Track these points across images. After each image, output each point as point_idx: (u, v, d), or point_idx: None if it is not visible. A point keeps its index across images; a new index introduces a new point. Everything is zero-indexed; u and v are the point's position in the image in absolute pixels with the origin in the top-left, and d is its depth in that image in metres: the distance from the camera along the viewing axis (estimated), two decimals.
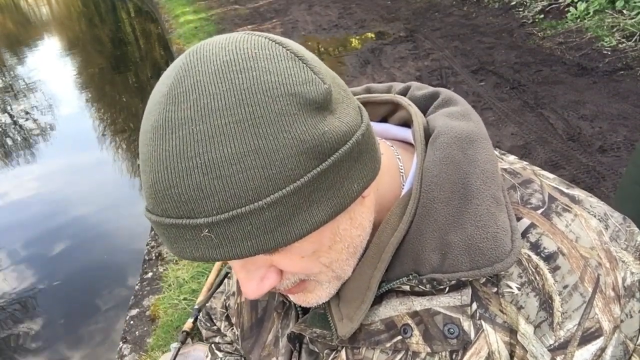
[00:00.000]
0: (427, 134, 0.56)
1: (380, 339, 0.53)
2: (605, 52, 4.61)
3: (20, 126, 7.14)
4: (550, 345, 0.48)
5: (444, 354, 0.50)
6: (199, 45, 0.43)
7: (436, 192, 0.50)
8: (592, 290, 0.47)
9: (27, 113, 7.53)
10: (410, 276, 0.50)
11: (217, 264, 2.62)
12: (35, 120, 7.18)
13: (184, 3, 10.85)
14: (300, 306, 0.62)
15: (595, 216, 0.52)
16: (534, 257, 0.48)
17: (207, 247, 0.40)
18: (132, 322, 2.66)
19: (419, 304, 0.51)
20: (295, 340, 0.62)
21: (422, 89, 0.63)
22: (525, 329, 0.48)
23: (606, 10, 5.27)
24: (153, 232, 3.33)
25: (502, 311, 0.49)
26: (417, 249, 0.50)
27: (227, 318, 0.86)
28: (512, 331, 0.48)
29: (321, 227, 0.42)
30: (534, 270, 0.48)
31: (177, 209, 0.39)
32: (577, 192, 0.54)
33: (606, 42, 4.74)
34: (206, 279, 2.69)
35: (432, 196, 0.50)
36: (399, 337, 0.52)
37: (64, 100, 7.91)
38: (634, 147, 2.95)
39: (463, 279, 0.48)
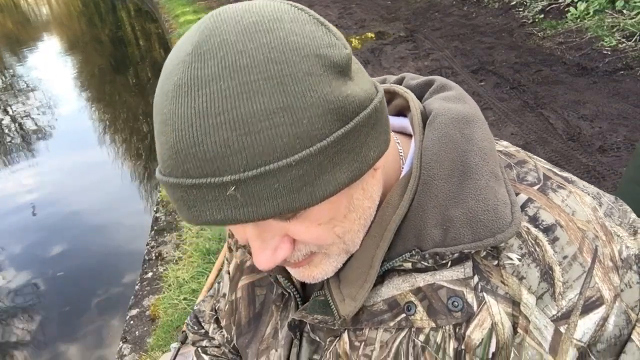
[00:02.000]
0: (424, 118, 0.57)
1: (383, 318, 0.53)
2: (605, 52, 4.61)
3: (20, 126, 7.14)
4: (553, 315, 0.48)
5: (447, 327, 0.50)
6: (221, 9, 0.43)
7: (436, 169, 0.51)
8: (591, 261, 0.48)
9: (27, 113, 7.53)
10: (413, 251, 0.51)
11: (218, 264, 2.62)
12: (35, 120, 7.18)
13: (184, 3, 10.85)
14: (300, 296, 0.62)
15: (588, 194, 0.53)
16: (533, 230, 0.49)
17: (230, 208, 0.40)
18: (132, 322, 2.66)
19: (421, 279, 0.52)
20: (296, 329, 0.62)
21: (416, 79, 0.64)
22: (527, 299, 0.48)
23: (606, 10, 5.27)
24: (153, 232, 3.32)
25: (503, 283, 0.49)
26: (419, 225, 0.51)
27: (217, 321, 0.85)
28: (515, 302, 0.49)
29: (342, 190, 0.42)
30: (533, 242, 0.49)
31: (201, 168, 0.38)
32: (569, 175, 0.56)
33: (606, 42, 4.74)
34: (206, 279, 2.69)
35: (432, 173, 0.51)
36: (403, 315, 0.52)
37: (64, 100, 7.92)
38: (634, 147, 2.95)
39: (465, 251, 0.48)
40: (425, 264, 0.51)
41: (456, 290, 0.50)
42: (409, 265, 0.52)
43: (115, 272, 3.75)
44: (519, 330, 0.49)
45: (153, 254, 3.11)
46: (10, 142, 6.68)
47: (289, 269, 0.54)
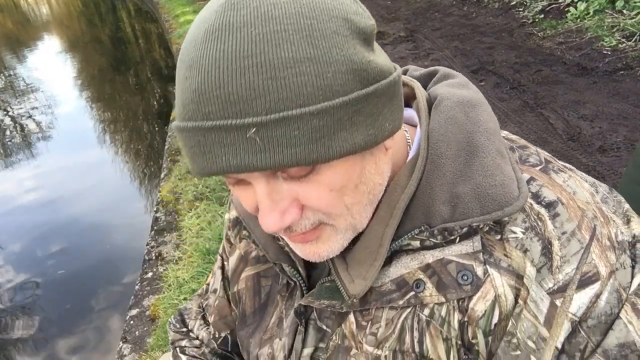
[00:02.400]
0: (429, 104, 0.59)
1: (392, 297, 0.54)
2: (605, 52, 4.61)
3: (20, 126, 7.14)
4: (550, 288, 0.49)
5: (452, 302, 0.51)
6: None
7: (443, 148, 0.53)
8: (589, 238, 0.49)
9: (27, 113, 7.53)
10: (422, 227, 0.51)
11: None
12: (35, 120, 7.18)
13: (184, 3, 10.85)
14: (305, 285, 0.62)
15: (586, 181, 0.55)
16: (536, 205, 0.51)
17: (248, 153, 0.40)
18: (132, 322, 2.66)
19: (430, 256, 0.52)
20: (302, 315, 0.62)
21: (419, 70, 0.67)
22: (530, 271, 0.49)
23: (606, 10, 5.27)
24: (153, 232, 3.32)
25: (506, 255, 0.50)
26: (427, 203, 0.52)
27: (203, 317, 0.85)
28: (518, 275, 0.50)
29: (358, 152, 0.44)
30: (536, 217, 0.50)
31: (223, 110, 0.39)
32: (568, 164, 0.58)
33: (606, 42, 4.74)
34: (206, 279, 2.69)
35: (439, 152, 0.53)
36: (412, 293, 0.53)
37: (64, 100, 7.92)
38: (634, 147, 2.95)
39: (474, 224, 0.49)
40: (434, 240, 0.51)
41: (465, 264, 0.51)
42: (417, 243, 0.53)
43: (115, 272, 3.75)
44: (519, 301, 0.50)
45: (153, 254, 3.11)
46: (10, 142, 6.68)
47: (294, 246, 0.54)
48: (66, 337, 3.25)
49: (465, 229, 0.50)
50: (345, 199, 0.48)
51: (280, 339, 0.65)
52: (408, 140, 0.59)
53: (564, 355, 0.48)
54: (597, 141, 3.28)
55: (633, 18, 4.89)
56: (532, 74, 4.46)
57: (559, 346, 0.48)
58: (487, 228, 0.51)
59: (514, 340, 0.50)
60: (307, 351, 0.61)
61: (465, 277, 0.50)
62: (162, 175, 4.18)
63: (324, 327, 0.60)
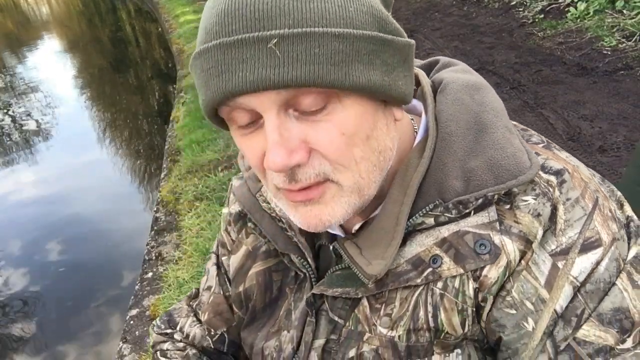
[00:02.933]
0: (434, 90, 0.61)
1: (409, 277, 0.54)
2: (605, 52, 4.61)
3: (20, 126, 7.14)
4: (552, 250, 0.50)
5: (467, 273, 0.52)
6: None
7: (452, 127, 0.54)
8: (592, 206, 0.51)
9: (27, 113, 7.53)
10: (437, 201, 0.52)
11: None
12: (35, 120, 7.18)
13: (184, 3, 10.85)
14: (314, 275, 0.62)
15: (585, 166, 0.58)
16: (544, 174, 0.53)
17: (266, 67, 0.42)
18: (132, 322, 2.66)
19: (446, 230, 0.53)
20: (312, 306, 0.62)
21: (418, 62, 0.69)
22: (539, 234, 0.51)
23: (606, 10, 5.27)
24: (153, 232, 3.32)
25: (517, 222, 0.51)
26: (440, 179, 0.53)
27: (195, 315, 0.83)
28: (528, 240, 0.51)
29: (373, 91, 0.46)
30: (545, 183, 0.52)
31: (248, 26, 0.42)
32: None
33: (606, 42, 4.74)
34: None
35: (449, 130, 0.54)
36: (429, 269, 0.53)
37: (64, 100, 7.91)
38: (634, 147, 2.95)
39: (490, 194, 0.50)
40: (449, 215, 0.52)
41: (482, 233, 0.51)
42: (431, 220, 0.53)
43: (115, 272, 3.75)
44: (522, 262, 0.51)
45: (153, 254, 3.11)
46: (10, 142, 6.68)
47: (295, 214, 0.53)
48: (66, 337, 3.25)
49: (480, 200, 0.51)
50: (355, 151, 0.48)
51: (289, 331, 0.65)
52: (415, 128, 0.60)
53: (561, 320, 0.49)
54: (597, 141, 3.28)
55: (633, 18, 4.89)
56: (532, 74, 4.46)
57: (558, 310, 0.49)
58: (496, 198, 0.52)
59: (508, 298, 0.52)
60: (319, 342, 0.61)
61: (483, 247, 0.51)
62: (162, 175, 4.18)
63: (336, 318, 0.60)
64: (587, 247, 0.50)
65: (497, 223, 0.51)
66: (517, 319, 0.51)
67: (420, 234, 0.54)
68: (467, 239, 0.52)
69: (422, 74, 0.63)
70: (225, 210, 0.79)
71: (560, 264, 0.50)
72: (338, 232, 0.63)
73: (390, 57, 0.47)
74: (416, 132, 0.60)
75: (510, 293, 0.51)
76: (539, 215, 0.51)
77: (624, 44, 4.62)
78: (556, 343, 0.49)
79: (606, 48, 4.66)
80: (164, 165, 4.32)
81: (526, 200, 0.51)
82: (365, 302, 0.58)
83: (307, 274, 0.63)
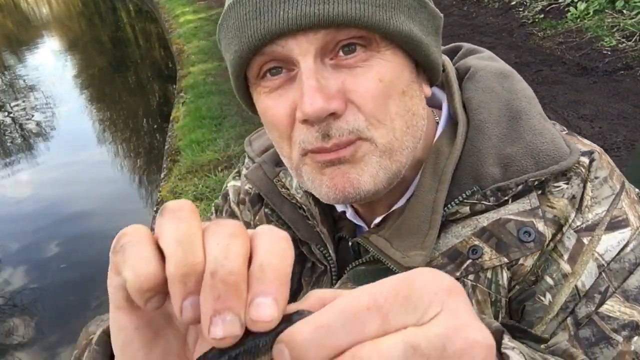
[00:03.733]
0: (459, 76, 0.60)
1: (447, 270, 0.51)
2: (605, 52, 4.61)
3: (20, 126, 7.14)
4: (578, 226, 0.50)
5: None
6: None
7: (485, 114, 0.54)
8: (619, 187, 0.51)
9: (27, 113, 7.52)
10: (475, 188, 0.51)
11: None
12: (35, 120, 7.18)
13: (184, 3, 10.85)
14: (335, 270, 0.59)
15: None
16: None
17: (309, 3, 0.42)
18: None
19: (485, 219, 0.51)
20: None
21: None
22: (571, 216, 0.50)
23: (606, 10, 5.27)
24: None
25: (550, 206, 0.50)
26: (476, 166, 0.52)
27: None
28: (560, 224, 0.50)
29: (414, 42, 0.47)
30: (577, 164, 0.51)
31: None
32: None
33: (606, 42, 4.74)
34: None
35: (482, 117, 0.53)
36: (469, 261, 0.51)
37: (64, 100, 7.91)
38: (634, 147, 2.95)
39: (531, 179, 0.49)
40: (486, 203, 0.50)
41: (525, 221, 0.50)
42: (466, 209, 0.51)
43: None
44: (551, 243, 0.50)
45: None
46: (10, 141, 6.68)
47: (321, 180, 0.50)
48: (65, 337, 3.25)
49: (520, 187, 0.49)
50: (390, 104, 0.48)
51: None
52: (436, 119, 0.59)
53: (583, 297, 0.48)
54: (597, 141, 3.27)
55: (633, 18, 4.89)
56: (532, 74, 4.46)
57: (580, 286, 0.48)
58: (536, 184, 0.51)
59: (532, 277, 0.50)
60: None
61: (527, 234, 0.49)
62: (162, 175, 4.18)
63: None
64: (614, 225, 0.49)
65: (539, 210, 0.50)
66: (534, 293, 0.50)
67: (455, 224, 0.52)
68: (509, 227, 0.50)
69: (447, 60, 0.62)
70: (231, 183, 0.73)
71: (585, 240, 0.49)
72: (361, 222, 0.60)
73: (425, 20, 0.48)
74: (437, 121, 0.59)
75: (535, 273, 0.50)
76: (573, 197, 0.50)
77: (624, 44, 4.62)
78: (578, 320, 0.48)
79: (606, 48, 4.66)
80: (164, 165, 4.32)
81: (558, 186, 0.50)
82: None
83: (328, 267, 0.60)
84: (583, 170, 0.51)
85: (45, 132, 6.73)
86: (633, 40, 4.60)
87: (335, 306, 0.23)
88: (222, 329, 0.24)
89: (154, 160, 5.49)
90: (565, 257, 0.49)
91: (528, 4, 6.17)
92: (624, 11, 5.09)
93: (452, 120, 0.58)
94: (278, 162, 0.62)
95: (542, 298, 0.50)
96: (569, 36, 5.13)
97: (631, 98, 3.76)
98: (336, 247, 0.62)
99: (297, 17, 0.42)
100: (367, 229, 0.61)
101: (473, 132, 0.53)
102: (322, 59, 0.46)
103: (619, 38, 4.74)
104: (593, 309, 0.48)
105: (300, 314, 0.26)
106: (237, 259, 0.25)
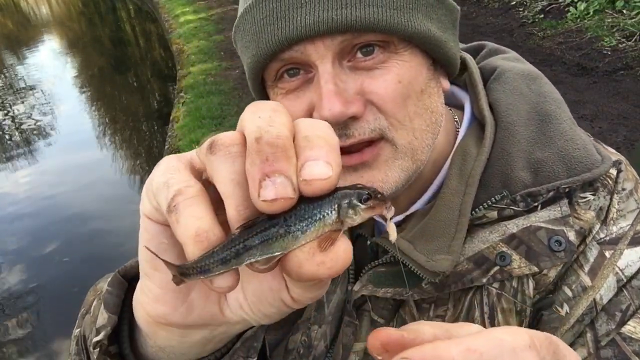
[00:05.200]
0: (483, 77, 0.59)
1: (473, 276, 0.50)
2: (605, 52, 4.61)
3: (20, 126, 7.14)
4: (601, 238, 0.49)
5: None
6: None
7: (514, 116, 0.52)
8: None
9: (27, 113, 7.52)
10: (504, 193, 0.49)
11: None
12: (35, 120, 7.17)
13: (184, 3, 10.84)
14: (353, 269, 0.58)
15: None
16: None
17: (326, 9, 0.41)
18: None
19: (514, 225, 0.49)
20: (358, 309, 0.57)
21: (462, 45, 0.67)
22: (597, 229, 0.49)
23: (606, 10, 5.27)
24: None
25: (578, 218, 0.49)
26: (505, 170, 0.50)
27: None
28: (585, 236, 0.49)
29: (432, 42, 0.46)
30: (605, 175, 0.50)
31: None
32: None
33: (606, 42, 4.74)
34: None
35: (510, 120, 0.52)
36: (496, 268, 0.49)
37: (64, 100, 7.91)
38: (634, 147, 2.95)
39: (563, 186, 0.48)
40: (515, 208, 0.49)
41: (556, 229, 0.48)
42: (494, 214, 0.50)
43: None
44: (574, 255, 0.49)
45: None
46: (10, 141, 6.68)
47: (347, 177, 0.49)
48: (65, 336, 3.25)
49: (551, 193, 0.48)
50: (409, 104, 0.47)
51: (320, 327, 0.59)
52: (455, 119, 0.58)
53: (604, 313, 0.47)
54: None
55: (633, 18, 4.89)
56: None
57: (598, 299, 0.47)
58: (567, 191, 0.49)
59: (550, 287, 0.49)
60: (360, 346, 0.56)
61: (558, 243, 0.48)
62: None
63: (377, 317, 0.56)
64: (637, 240, 0.48)
65: (571, 218, 0.48)
66: (553, 302, 0.49)
67: (481, 229, 0.51)
68: (540, 235, 0.48)
69: (470, 59, 0.60)
70: None
71: (607, 253, 0.48)
72: (381, 219, 0.59)
73: (443, 16, 0.48)
74: (456, 122, 0.58)
75: (554, 282, 0.49)
76: (600, 209, 0.49)
77: (624, 44, 4.62)
78: (597, 337, 0.47)
79: (606, 48, 4.66)
80: None
81: (585, 197, 0.49)
82: (411, 301, 0.53)
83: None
84: (610, 181, 0.49)
85: (45, 132, 6.73)
86: (633, 40, 4.60)
87: (489, 335, 0.22)
88: (274, 190, 0.23)
89: (153, 160, 5.49)
90: (586, 268, 0.48)
91: (528, 4, 6.17)
92: (624, 11, 5.09)
93: (477, 121, 0.56)
94: None
95: (560, 309, 0.48)
96: (569, 36, 5.13)
97: (631, 98, 3.75)
98: (353, 245, 0.60)
99: (315, 24, 0.41)
100: (385, 224, 0.60)
101: (501, 134, 0.52)
102: (340, 61, 0.46)
103: (619, 38, 4.74)
104: (614, 327, 0.47)
105: (361, 188, 0.26)
106: (282, 127, 0.24)
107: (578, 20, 5.37)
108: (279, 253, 0.26)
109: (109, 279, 0.44)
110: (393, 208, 0.29)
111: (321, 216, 0.26)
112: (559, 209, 0.49)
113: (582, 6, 5.43)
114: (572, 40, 5.02)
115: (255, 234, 0.26)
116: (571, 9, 5.53)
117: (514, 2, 6.40)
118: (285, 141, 0.24)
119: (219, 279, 0.27)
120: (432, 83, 0.50)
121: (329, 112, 0.44)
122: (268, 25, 0.43)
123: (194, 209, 0.27)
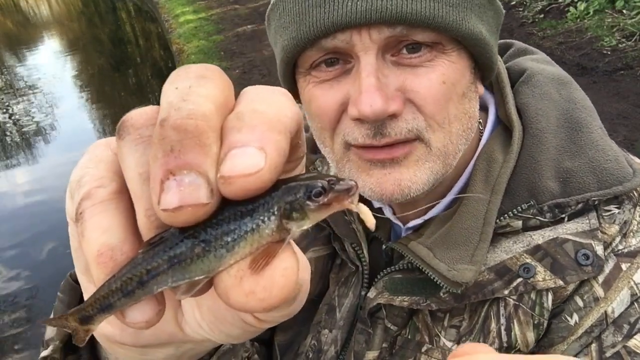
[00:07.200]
0: (511, 79, 0.57)
1: (494, 287, 0.48)
2: (605, 52, 4.61)
3: (20, 126, 7.14)
4: (620, 250, 0.47)
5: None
6: None
7: (543, 123, 0.50)
8: None
9: (27, 113, 7.52)
10: (531, 202, 0.47)
11: None
12: (35, 120, 7.17)
13: (184, 3, 10.84)
14: (367, 272, 0.56)
15: None
16: None
17: None
18: None
19: (540, 236, 0.48)
20: (372, 317, 0.55)
21: None
22: (618, 242, 0.48)
23: (606, 10, 5.26)
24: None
25: (602, 232, 0.48)
26: (533, 178, 0.48)
27: None
28: (606, 249, 0.48)
29: (483, 44, 0.45)
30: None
31: None
32: None
33: (606, 42, 4.74)
34: None
35: (540, 126, 0.50)
36: (519, 280, 0.47)
37: (64, 100, 7.91)
38: (634, 147, 2.95)
39: (593, 198, 0.46)
40: (541, 218, 0.47)
41: (583, 243, 0.46)
42: (518, 223, 0.48)
43: None
44: None
45: None
46: (10, 141, 6.67)
47: (365, 179, 0.48)
48: None
49: (580, 205, 0.46)
50: (450, 106, 0.46)
51: (331, 331, 0.57)
52: (479, 121, 0.56)
53: (611, 325, 0.46)
54: None
55: (633, 18, 4.89)
56: None
57: (609, 312, 0.46)
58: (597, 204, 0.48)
59: (565, 293, 0.48)
60: (373, 354, 0.54)
61: (585, 257, 0.46)
62: None
63: (390, 325, 0.54)
64: None
65: (599, 232, 0.46)
66: (563, 311, 0.48)
67: (505, 238, 0.49)
68: (567, 247, 0.46)
69: (498, 59, 0.58)
70: None
71: (624, 266, 0.46)
72: (398, 222, 0.57)
73: (491, 18, 0.46)
74: (479, 124, 0.56)
75: (572, 295, 0.48)
76: (625, 223, 0.47)
77: (624, 44, 4.62)
78: (602, 348, 0.46)
79: (606, 48, 4.66)
80: None
81: (609, 210, 0.47)
82: (426, 309, 0.51)
83: (361, 269, 0.56)
84: (635, 194, 0.48)
85: (45, 132, 6.72)
86: (633, 40, 4.60)
87: None
88: (178, 195, 0.17)
89: None
90: (600, 279, 0.47)
91: (528, 4, 6.17)
92: (624, 11, 5.08)
93: (501, 125, 0.55)
94: (314, 150, 0.59)
95: (569, 318, 0.47)
96: (569, 36, 5.13)
97: (631, 98, 3.75)
98: (368, 247, 0.58)
99: (367, 11, 0.38)
100: (402, 227, 0.57)
101: (530, 141, 0.50)
102: (384, 54, 0.44)
103: (619, 38, 4.74)
104: (620, 339, 0.45)
105: (313, 177, 0.19)
106: (200, 101, 0.18)
107: (578, 20, 5.37)
108: (201, 277, 0.20)
109: (62, 283, 0.38)
110: (358, 194, 0.22)
111: (254, 225, 0.19)
112: (587, 221, 0.47)
113: (582, 6, 5.43)
114: (572, 40, 5.02)
115: (163, 255, 0.19)
116: (571, 9, 5.53)
117: (514, 2, 6.39)
118: (200, 122, 0.18)
119: (132, 311, 0.21)
120: (472, 87, 0.49)
121: (370, 109, 0.42)
122: (315, 6, 0.40)
123: (100, 218, 0.21)
